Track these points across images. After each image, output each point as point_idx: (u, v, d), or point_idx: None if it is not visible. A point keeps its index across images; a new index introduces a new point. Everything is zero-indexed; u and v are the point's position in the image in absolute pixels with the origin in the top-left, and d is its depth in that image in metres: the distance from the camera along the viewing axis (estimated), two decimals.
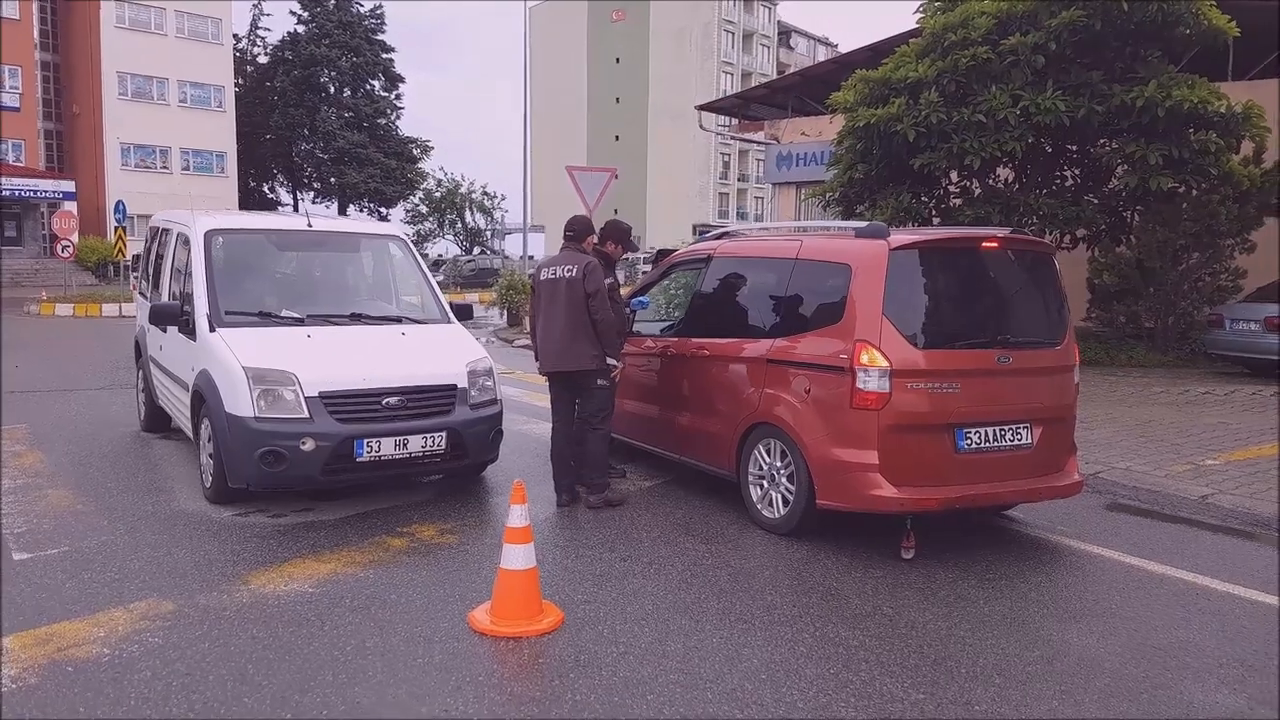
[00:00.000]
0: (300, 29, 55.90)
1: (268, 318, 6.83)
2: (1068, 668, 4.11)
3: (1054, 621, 4.66)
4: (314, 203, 57.64)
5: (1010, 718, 3.65)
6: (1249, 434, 9.17)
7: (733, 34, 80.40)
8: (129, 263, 30.08)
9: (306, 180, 58.40)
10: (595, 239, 6.88)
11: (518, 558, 4.40)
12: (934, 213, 15.53)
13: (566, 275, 6.46)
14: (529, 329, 6.85)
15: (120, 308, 25.46)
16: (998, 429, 5.58)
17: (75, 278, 35.67)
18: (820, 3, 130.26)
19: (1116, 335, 15.36)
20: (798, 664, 4.08)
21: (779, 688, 3.85)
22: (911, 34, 15.79)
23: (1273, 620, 4.73)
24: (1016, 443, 5.64)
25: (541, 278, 6.60)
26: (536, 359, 6.78)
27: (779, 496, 5.95)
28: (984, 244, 5.93)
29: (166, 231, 8.23)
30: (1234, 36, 13.64)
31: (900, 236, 5.67)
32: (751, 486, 6.18)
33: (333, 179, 55.90)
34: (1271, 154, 14.38)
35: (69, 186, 43.29)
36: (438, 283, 8.02)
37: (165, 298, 7.79)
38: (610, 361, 6.55)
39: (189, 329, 6.78)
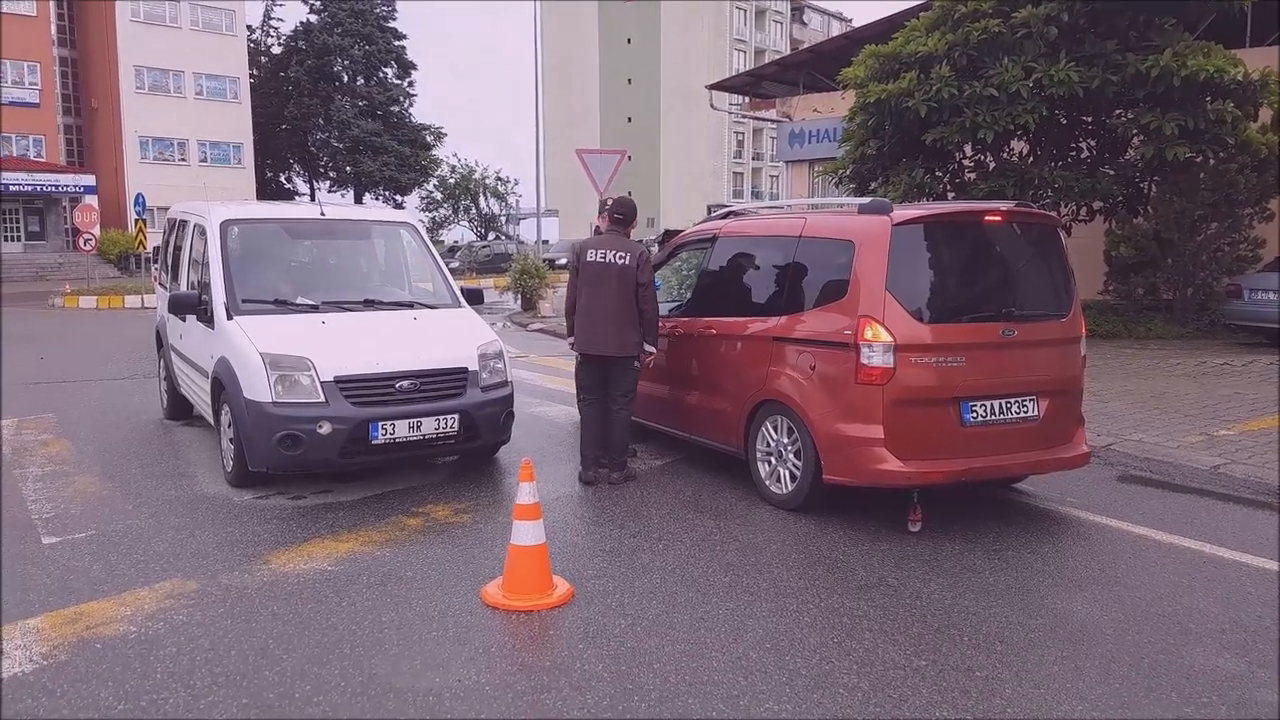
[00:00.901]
0: (313, 18, 56.02)
1: (283, 305, 6.96)
2: (1070, 635, 4.18)
3: (1059, 591, 4.72)
4: (330, 192, 57.93)
5: (1010, 682, 3.73)
6: (1264, 404, 9.15)
7: (745, 11, 79.80)
8: (149, 254, 30.39)
9: (323, 169, 58.68)
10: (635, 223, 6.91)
11: (527, 534, 4.51)
12: (948, 188, 15.48)
13: (619, 262, 6.51)
14: (566, 308, 6.83)
15: (143, 299, 25.79)
16: (1004, 402, 5.63)
17: (98, 270, 36.15)
18: None
19: (1135, 308, 15.28)
20: (801, 634, 4.17)
21: (783, 656, 3.94)
22: (922, 7, 15.72)
23: (1276, 586, 4.77)
24: (1023, 415, 5.69)
25: (588, 259, 6.59)
26: (570, 336, 6.82)
27: (786, 472, 6.03)
28: (987, 218, 5.95)
29: (184, 223, 8.37)
30: (1251, 2, 13.47)
31: (903, 212, 5.70)
32: (759, 463, 6.26)
33: (348, 168, 56.12)
34: None
35: (89, 180, 43.76)
36: (453, 269, 8.11)
37: (184, 287, 7.94)
38: (647, 348, 6.69)
39: (207, 317, 6.92)
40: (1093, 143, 15.39)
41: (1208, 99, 13.33)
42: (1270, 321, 13.22)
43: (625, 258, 6.51)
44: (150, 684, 3.71)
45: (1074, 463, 6.02)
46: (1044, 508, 6.21)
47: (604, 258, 6.54)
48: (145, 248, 29.49)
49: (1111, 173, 14.79)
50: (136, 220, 28.92)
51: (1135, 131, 13.96)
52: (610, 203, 7.05)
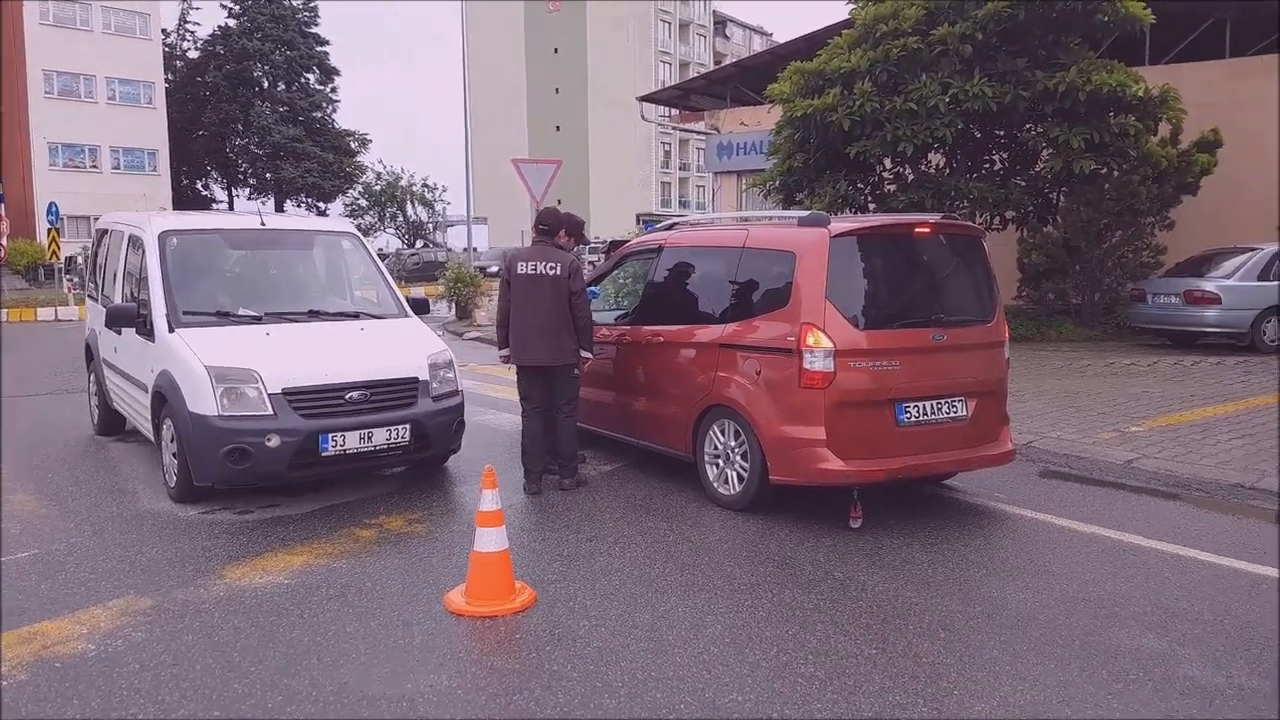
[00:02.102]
0: (231, 23, 54.73)
1: (225, 317, 6.90)
2: (1007, 621, 4.45)
3: (994, 580, 5.01)
4: (250, 199, 56.52)
5: (954, 666, 3.98)
6: (1171, 401, 9.72)
7: (669, 24, 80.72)
8: (62, 265, 29.35)
9: (241, 176, 57.29)
10: (565, 232, 7.02)
11: (490, 540, 4.61)
12: (870, 199, 15.99)
13: (550, 273, 6.63)
14: (498, 320, 6.94)
15: (56, 311, 24.85)
16: (935, 403, 5.93)
17: (6, 282, 34.65)
18: None
19: (1046, 312, 15.99)
20: (758, 628, 4.37)
21: (742, 650, 4.12)
22: (844, 25, 16.19)
23: (1192, 571, 5.14)
24: (953, 415, 6.00)
25: (519, 272, 6.69)
26: (503, 349, 6.93)
27: (734, 474, 6.24)
28: (917, 229, 6.26)
29: (117, 234, 8.21)
30: (1150, 23, 14.24)
31: (840, 224, 5.98)
32: (708, 466, 6.46)
33: (268, 174, 54.91)
34: (1188, 135, 15.06)
35: None
36: None
37: (117, 300, 7.79)
38: (584, 354, 6.83)
39: (147, 330, 6.82)
40: (1005, 155, 16.06)
41: (1111, 114, 14.06)
42: (1172, 324, 13.97)
43: (556, 268, 6.63)
44: (117, 700, 3.70)
45: (1000, 459, 6.36)
46: (974, 503, 6.53)
47: (535, 269, 6.65)
48: (59, 258, 28.47)
49: (1023, 184, 15.47)
50: (50, 230, 27.90)
51: (1044, 145, 14.64)
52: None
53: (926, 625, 4.40)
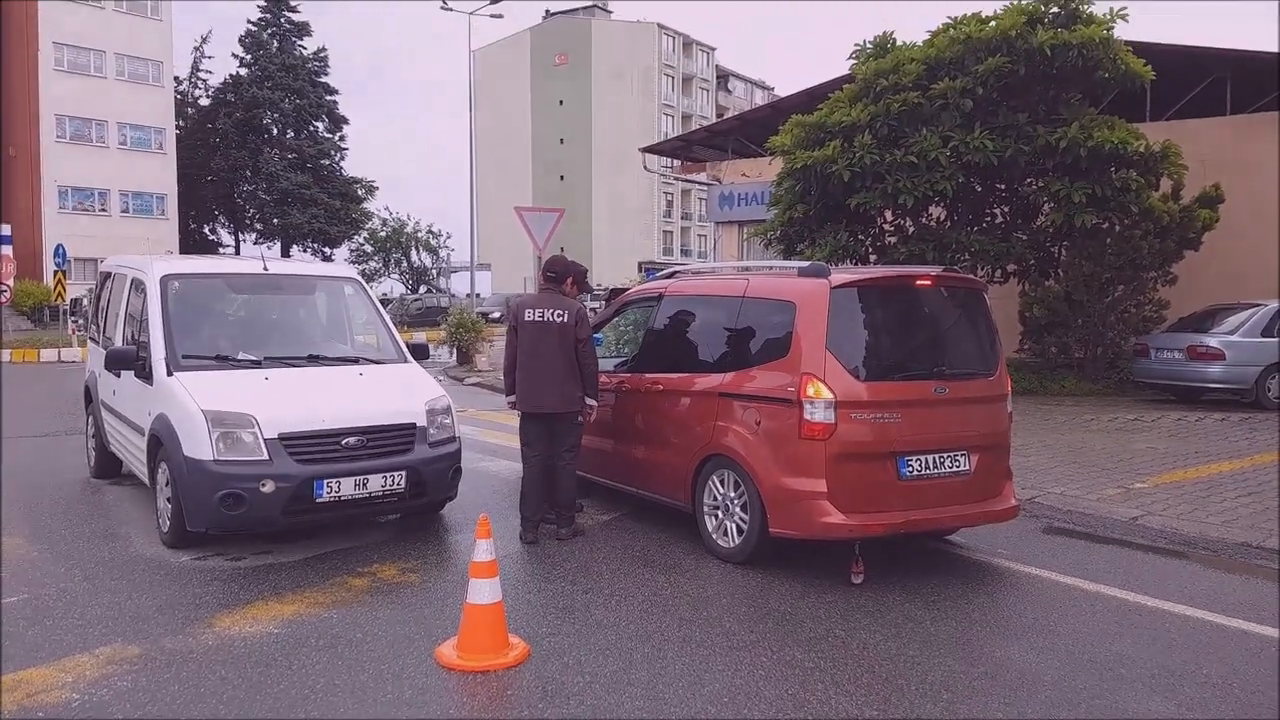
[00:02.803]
0: (243, 71, 55.59)
1: (225, 361, 6.89)
2: (1010, 681, 4.35)
3: (997, 639, 4.91)
4: (256, 244, 56.92)
5: None
6: (1175, 458, 9.63)
7: (673, 78, 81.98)
8: (67, 307, 29.44)
9: (249, 222, 57.77)
10: (572, 281, 7.04)
11: (484, 592, 4.52)
12: (870, 250, 16.05)
13: (558, 320, 6.63)
14: (506, 366, 6.91)
15: (59, 353, 24.90)
16: (937, 456, 5.86)
17: (11, 322, 34.81)
18: (756, 44, 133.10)
19: (1048, 366, 15.94)
20: (757, 686, 4.26)
21: (740, 709, 4.02)
22: (845, 79, 16.41)
23: (1200, 633, 5.04)
24: (955, 469, 5.93)
25: (526, 318, 6.69)
26: (511, 395, 6.88)
27: (733, 526, 6.16)
28: (918, 281, 6.26)
29: (121, 276, 8.23)
30: (1150, 80, 14.41)
31: (840, 275, 5.97)
32: (707, 517, 6.38)
33: (276, 220, 55.37)
34: (1190, 191, 15.15)
35: (4, 230, 42.19)
36: None
37: (118, 342, 7.78)
38: (589, 402, 6.80)
39: (145, 373, 6.80)
40: (1006, 209, 16.17)
41: (1113, 169, 14.16)
42: (1176, 379, 13.92)
43: (564, 315, 6.64)
44: None
45: (1004, 515, 6.27)
46: (977, 559, 6.44)
47: (542, 316, 6.65)
48: (64, 300, 28.58)
49: (1024, 237, 15.55)
50: (55, 272, 28.03)
51: (1046, 199, 14.74)
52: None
53: (929, 685, 4.30)
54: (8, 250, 32.22)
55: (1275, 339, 13.22)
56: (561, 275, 6.92)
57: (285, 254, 52.86)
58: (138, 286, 7.50)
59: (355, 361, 7.36)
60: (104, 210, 47.31)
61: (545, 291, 6.89)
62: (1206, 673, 4.45)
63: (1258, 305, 13.79)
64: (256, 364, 6.86)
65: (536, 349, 6.63)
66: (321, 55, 57.49)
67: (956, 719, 3.97)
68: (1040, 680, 4.37)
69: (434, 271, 66.44)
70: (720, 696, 4.14)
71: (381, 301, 47.53)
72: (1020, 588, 5.83)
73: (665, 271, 8.14)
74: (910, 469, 5.77)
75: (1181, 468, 9.10)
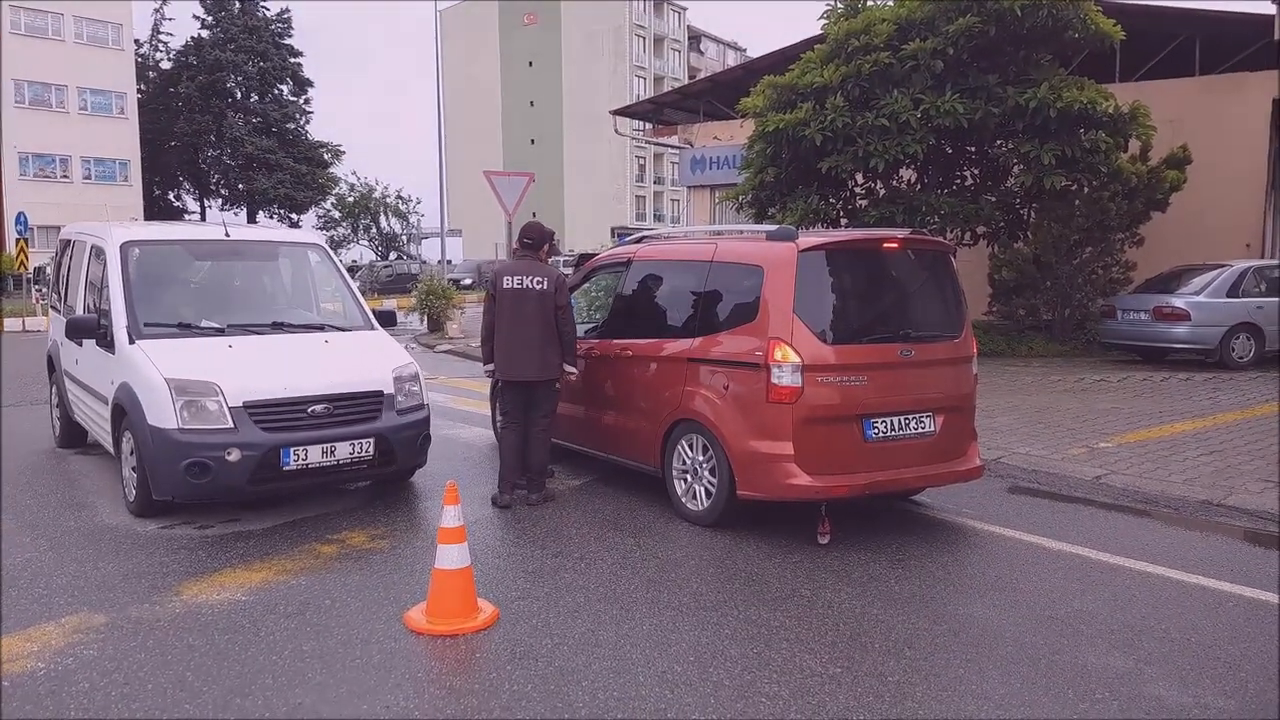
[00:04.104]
0: (204, 34, 54.45)
1: (187, 328, 6.80)
2: (972, 639, 4.42)
3: (960, 597, 4.98)
4: (222, 210, 56.13)
5: (919, 685, 3.94)
6: (1140, 417, 9.78)
7: (644, 38, 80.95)
8: (30, 276, 28.93)
9: (214, 187, 56.90)
10: (548, 247, 7.00)
11: (452, 557, 4.53)
12: (841, 214, 16.05)
13: (537, 287, 6.60)
14: (484, 335, 6.86)
15: (23, 322, 24.50)
16: (903, 418, 5.91)
17: None
18: (728, 4, 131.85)
19: (1016, 328, 16.09)
20: (723, 645, 4.31)
21: (705, 668, 4.07)
22: (816, 40, 16.29)
23: (1160, 589, 5.14)
24: (920, 431, 5.98)
25: (505, 286, 6.63)
26: (488, 363, 6.86)
27: (702, 489, 6.20)
28: (885, 244, 6.26)
29: (79, 244, 8.08)
30: (1120, 40, 14.42)
31: (808, 239, 5.96)
32: (676, 481, 6.41)
33: (241, 186, 54.60)
34: (1158, 151, 15.23)
35: None
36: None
37: (79, 311, 7.66)
38: (568, 369, 6.82)
39: (107, 342, 6.71)
40: (976, 171, 16.18)
41: (1082, 130, 14.17)
42: (1142, 339, 14.10)
43: (543, 282, 6.61)
44: None
45: (968, 475, 6.35)
46: (941, 519, 6.52)
47: (521, 284, 6.61)
48: (27, 269, 28.07)
49: (993, 199, 15.59)
50: (18, 240, 27.49)
51: (1015, 160, 14.76)
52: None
53: (892, 643, 4.36)
54: None
55: (1240, 299, 13.39)
56: (539, 242, 6.87)
57: (252, 220, 52.17)
58: (97, 254, 7.37)
59: (321, 329, 7.28)
60: (66, 177, 46.41)
61: (522, 259, 6.83)
62: (1165, 628, 4.54)
63: (1223, 266, 13.94)
64: (220, 331, 6.78)
65: (516, 317, 6.58)
66: (285, 16, 56.44)
67: (918, 674, 4.03)
68: (1001, 636, 4.45)
69: (404, 238, 65.79)
70: (686, 656, 4.19)
71: (351, 268, 47.17)
72: (984, 547, 5.92)
73: (634, 236, 8.09)
74: (876, 431, 5.81)
75: (1145, 427, 9.24)
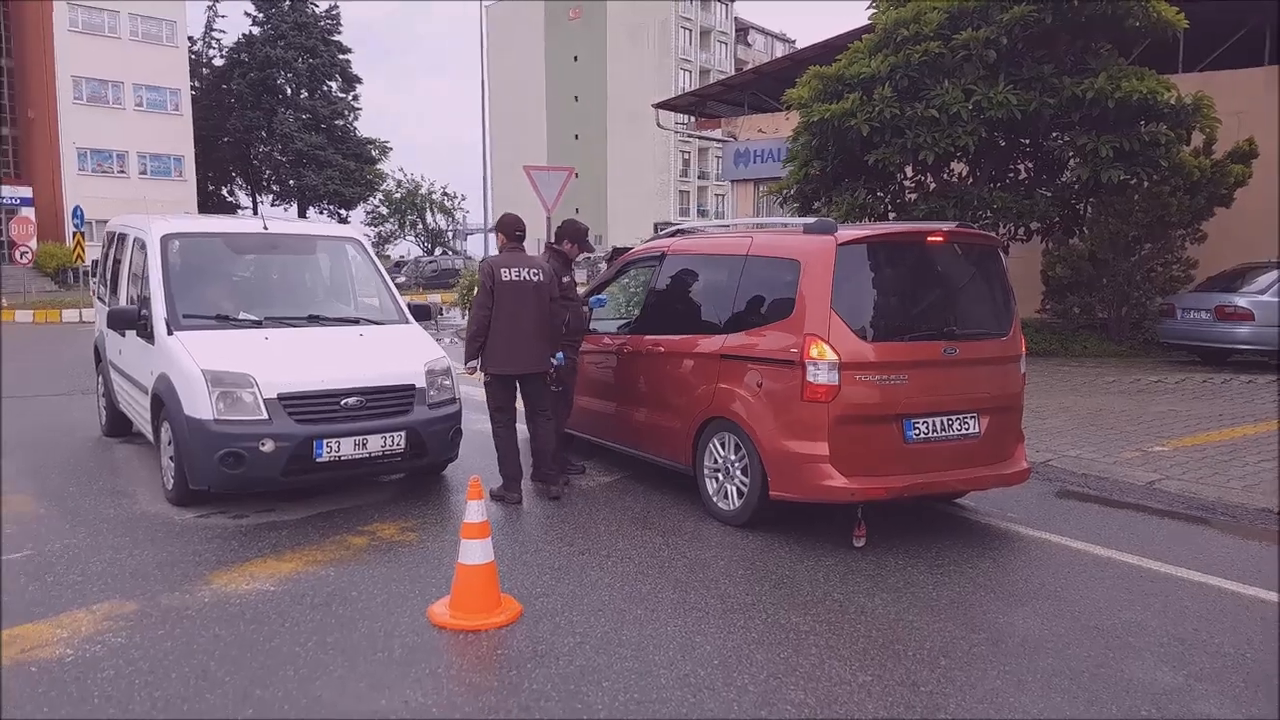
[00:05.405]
0: (255, 30, 55.35)
1: (225, 320, 6.85)
2: (1012, 649, 4.25)
3: (1000, 605, 4.80)
4: (273, 205, 57.17)
5: (954, 697, 3.78)
6: (1198, 420, 9.43)
7: (690, 31, 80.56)
8: (88, 268, 29.69)
9: (265, 183, 57.88)
10: (578, 245, 7.01)
11: (475, 552, 4.47)
12: (889, 208, 15.74)
13: (534, 279, 6.56)
14: (474, 330, 6.65)
15: (80, 313, 25.14)
16: (945, 419, 5.73)
17: (35, 284, 35.17)
18: (776, 1, 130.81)
19: (1071, 326, 15.64)
20: (749, 650, 4.19)
21: (730, 673, 3.95)
22: (864, 30, 15.97)
23: (1214, 600, 4.91)
24: (964, 432, 5.79)
25: (504, 278, 6.52)
26: (473, 359, 6.67)
27: (734, 489, 6.07)
28: (930, 238, 6.07)
29: (124, 236, 8.20)
30: (1183, 29, 13.92)
31: (847, 232, 5.80)
32: (707, 479, 6.29)
33: (291, 181, 55.46)
34: (1223, 145, 14.68)
35: (26, 193, 42.57)
36: (400, 284, 8.05)
37: (123, 302, 7.77)
38: (557, 358, 6.81)
39: (147, 333, 6.79)
40: (1030, 164, 15.76)
41: (1142, 122, 13.73)
42: (1202, 340, 13.64)
43: (538, 274, 6.59)
44: (87, 708, 3.61)
45: (1014, 479, 6.14)
46: (984, 523, 6.32)
47: (519, 275, 6.54)
48: (84, 261, 28.81)
49: (1048, 194, 15.16)
50: (75, 233, 28.22)
51: (1071, 153, 14.34)
52: (503, 220, 6.96)
53: (927, 652, 4.21)
54: (29, 212, 32.48)
55: None
56: (524, 234, 6.79)
57: (302, 215, 52.98)
58: (140, 245, 7.46)
59: (356, 322, 7.30)
60: (123, 172, 47.49)
61: (514, 251, 6.72)
62: (1219, 642, 4.33)
63: None
64: (257, 324, 6.82)
65: (517, 309, 6.51)
66: (334, 13, 57.17)
67: (953, 685, 3.88)
68: (1043, 647, 4.27)
69: (449, 234, 66.38)
70: (711, 659, 4.08)
71: (397, 264, 47.52)
72: (1028, 553, 5.72)
73: (669, 230, 7.98)
74: (917, 431, 5.64)
75: (1204, 431, 8.90)
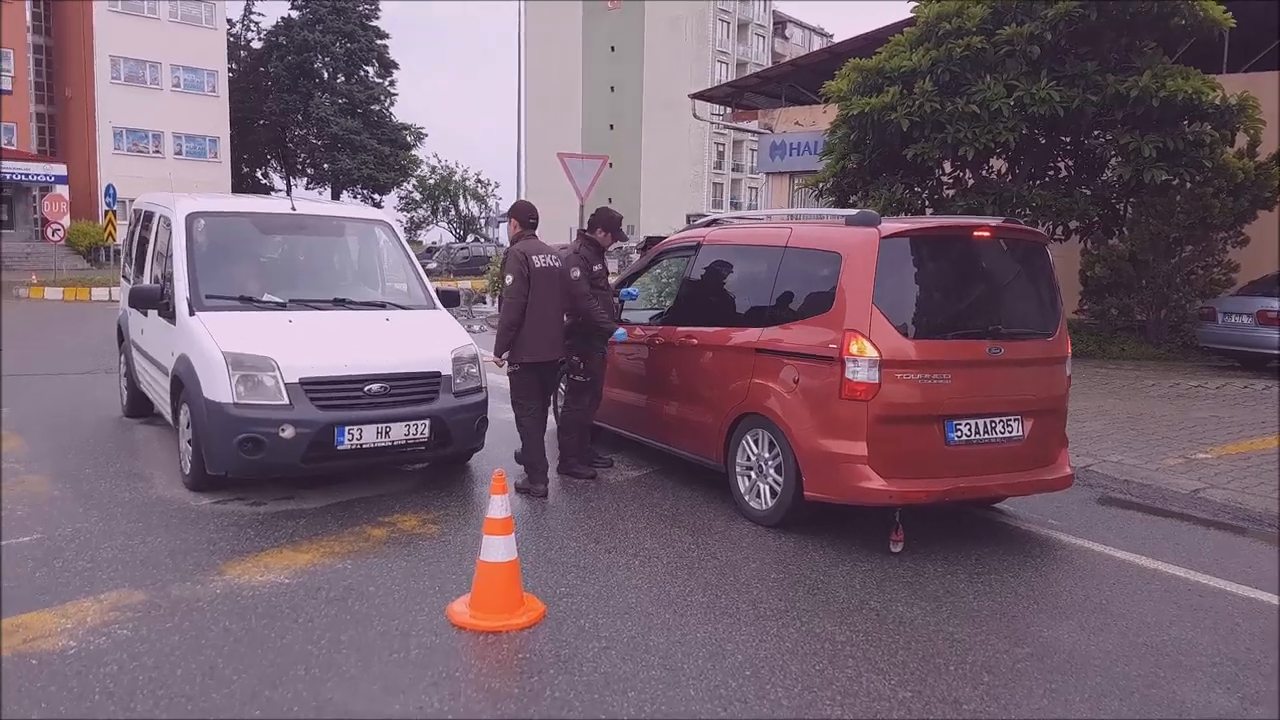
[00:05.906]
0: (294, 14, 55.59)
1: (249, 302, 6.71)
2: (1057, 665, 4.03)
3: (1044, 617, 4.58)
4: (307, 189, 57.49)
5: (999, 717, 3.57)
6: (1241, 427, 9.11)
7: (728, 23, 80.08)
8: (119, 247, 29.90)
9: (300, 166, 58.16)
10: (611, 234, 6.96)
11: (498, 549, 4.30)
12: (927, 203, 15.46)
13: (558, 265, 6.54)
14: (510, 320, 6.42)
15: (110, 292, 25.27)
16: (988, 421, 5.49)
17: (66, 261, 35.48)
18: None
19: (1108, 328, 15.30)
20: (782, 660, 4.00)
21: (763, 684, 3.76)
22: (905, 23, 15.68)
23: (1268, 619, 4.66)
24: (1007, 435, 5.56)
25: (537, 265, 6.39)
26: (506, 350, 6.46)
27: (767, 488, 5.87)
28: (976, 233, 5.83)
29: (150, 214, 8.09)
30: (1230, 28, 13.53)
31: (891, 225, 5.57)
32: (739, 477, 6.09)
33: (326, 165, 55.69)
34: (1268, 146, 14.31)
35: (61, 170, 42.93)
36: (431, 270, 7.89)
37: (148, 280, 7.66)
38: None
39: (169, 312, 6.67)
40: (1071, 163, 15.42)
41: (1185, 121, 13.36)
42: (1243, 345, 13.26)
43: (558, 260, 6.56)
44: (87, 704, 3.47)
45: (1057, 485, 5.90)
46: (1025, 529, 6.08)
47: (546, 263, 6.47)
48: (115, 239, 29.01)
49: (1089, 193, 14.80)
50: (107, 212, 28.40)
51: (1113, 152, 14.00)
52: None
53: (969, 666, 3.99)
54: (63, 190, 32.72)
55: None
56: (535, 221, 6.65)
57: (335, 199, 53.18)
58: (165, 224, 7.34)
59: (382, 306, 7.15)
60: (158, 152, 47.88)
61: (529, 238, 6.59)
62: (1274, 664, 4.09)
63: None
64: (281, 306, 6.68)
65: (546, 297, 6.43)
66: None
67: (996, 703, 3.66)
68: (1090, 664, 4.04)
69: (481, 220, 66.46)
70: (742, 669, 3.88)
71: (429, 250, 47.64)
72: (1072, 562, 5.47)
73: (705, 219, 7.77)
74: (959, 433, 5.41)
75: (1247, 438, 8.59)
